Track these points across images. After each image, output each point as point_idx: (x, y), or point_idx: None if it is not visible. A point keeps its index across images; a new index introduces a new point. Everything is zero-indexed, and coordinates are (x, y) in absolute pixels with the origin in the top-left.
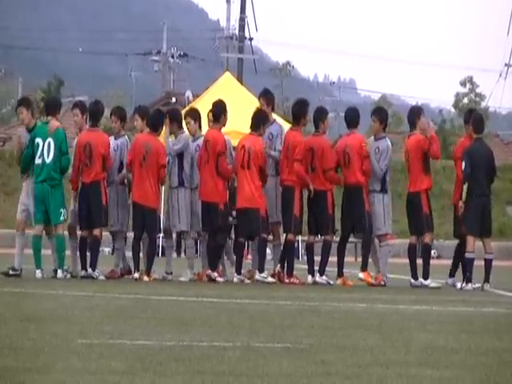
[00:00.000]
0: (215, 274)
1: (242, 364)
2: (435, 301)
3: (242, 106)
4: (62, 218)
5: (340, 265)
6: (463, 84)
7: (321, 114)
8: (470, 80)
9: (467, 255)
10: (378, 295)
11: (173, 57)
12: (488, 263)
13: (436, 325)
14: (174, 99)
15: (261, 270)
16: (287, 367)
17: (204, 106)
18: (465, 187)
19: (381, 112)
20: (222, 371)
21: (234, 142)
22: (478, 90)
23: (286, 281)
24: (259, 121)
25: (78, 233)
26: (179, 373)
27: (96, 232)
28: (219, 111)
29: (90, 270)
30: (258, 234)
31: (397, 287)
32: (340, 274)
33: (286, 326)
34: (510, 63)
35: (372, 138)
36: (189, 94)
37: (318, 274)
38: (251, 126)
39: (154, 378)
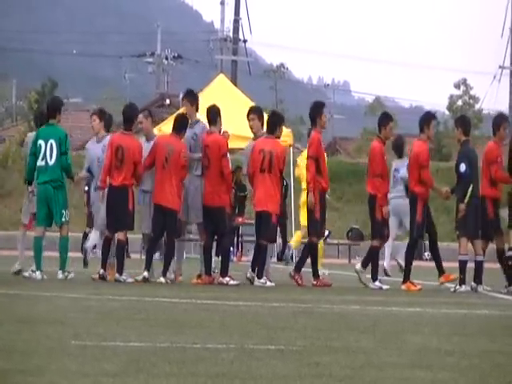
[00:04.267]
0: (227, 279)
1: (236, 366)
2: (428, 303)
3: (236, 107)
4: (65, 219)
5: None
6: (457, 86)
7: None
8: (464, 82)
9: (461, 257)
10: (372, 297)
11: (167, 58)
12: (479, 265)
13: (429, 327)
14: (168, 101)
15: (259, 276)
16: (281, 369)
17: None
18: (470, 189)
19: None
20: (215, 373)
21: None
22: (472, 93)
23: (314, 282)
24: (275, 123)
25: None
26: (172, 375)
27: (120, 236)
28: (215, 115)
29: (117, 274)
30: (266, 238)
31: (391, 289)
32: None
33: (279, 328)
34: (505, 65)
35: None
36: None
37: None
38: (268, 129)
39: (148, 379)
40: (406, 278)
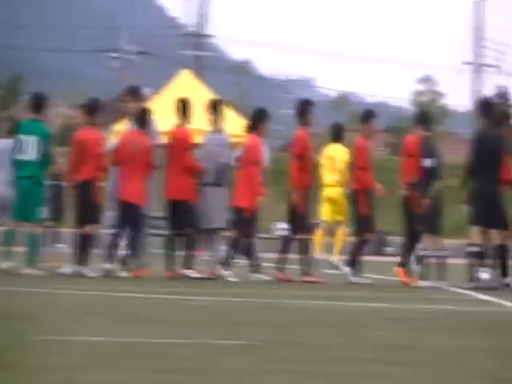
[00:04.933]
0: (190, 272)
1: (197, 361)
2: (392, 298)
3: (200, 103)
4: (40, 216)
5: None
6: (421, 82)
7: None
8: (429, 78)
9: (422, 253)
10: (334, 292)
11: (131, 54)
12: (442, 261)
13: (392, 322)
14: None
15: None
16: (241, 364)
17: (162, 102)
18: (436, 184)
19: None
20: (176, 368)
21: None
22: (436, 88)
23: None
24: (256, 120)
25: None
26: (134, 369)
27: (87, 229)
28: (183, 108)
29: (81, 267)
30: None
31: (357, 284)
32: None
33: (240, 323)
34: (469, 61)
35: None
36: (147, 91)
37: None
38: (250, 126)
39: (109, 374)
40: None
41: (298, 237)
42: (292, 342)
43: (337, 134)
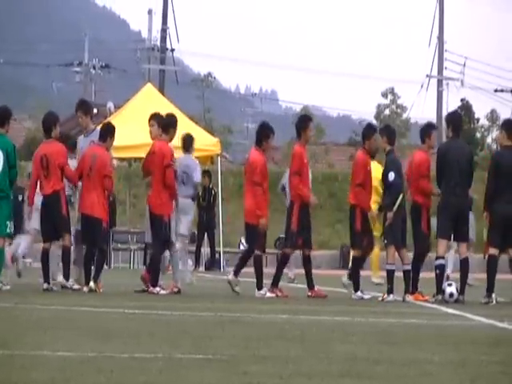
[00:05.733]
0: (157, 289)
1: (164, 375)
2: (357, 312)
3: None
4: (7, 230)
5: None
6: (385, 95)
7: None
8: (392, 91)
9: (388, 267)
10: (300, 306)
11: (94, 68)
12: (407, 274)
13: (358, 336)
14: (95, 110)
15: (259, 287)
16: (209, 378)
17: (126, 116)
18: (400, 198)
19: None
20: (143, 382)
21: None
22: (399, 102)
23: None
24: (261, 135)
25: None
26: None
27: (65, 242)
28: (167, 125)
29: (63, 279)
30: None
31: (319, 299)
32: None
33: (207, 337)
34: (432, 74)
35: None
36: (110, 105)
37: None
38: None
39: None
40: (414, 289)
41: (284, 251)
42: (259, 355)
43: None
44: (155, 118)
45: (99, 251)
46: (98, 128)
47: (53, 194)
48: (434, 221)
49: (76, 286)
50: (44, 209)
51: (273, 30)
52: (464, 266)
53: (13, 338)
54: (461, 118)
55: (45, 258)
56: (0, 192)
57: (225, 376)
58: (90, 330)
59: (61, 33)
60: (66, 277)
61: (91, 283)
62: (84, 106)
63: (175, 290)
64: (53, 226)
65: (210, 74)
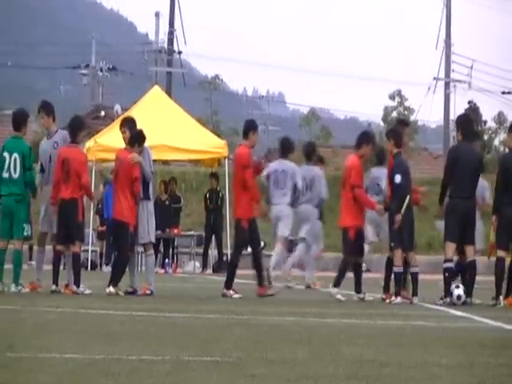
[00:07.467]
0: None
1: (171, 378)
2: (364, 314)
3: (170, 119)
4: (24, 233)
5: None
6: (392, 97)
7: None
8: (399, 93)
9: (395, 269)
10: (307, 309)
11: (101, 70)
12: (414, 277)
13: (365, 338)
14: (102, 113)
15: (358, 291)
16: (216, 381)
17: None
18: (406, 201)
19: None
20: None
21: (162, 156)
22: (406, 104)
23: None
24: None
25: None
26: None
27: (76, 248)
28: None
29: (74, 287)
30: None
31: (326, 301)
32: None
33: (214, 340)
34: (439, 77)
35: None
36: (118, 107)
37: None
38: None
39: None
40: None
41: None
42: (266, 358)
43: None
44: (126, 123)
45: (119, 255)
46: (61, 130)
47: (71, 200)
48: (441, 224)
49: (88, 291)
50: (60, 213)
51: (280, 32)
52: (471, 268)
53: (20, 340)
54: (471, 121)
55: (57, 260)
56: (18, 195)
57: (232, 378)
58: (98, 333)
59: (68, 35)
60: (77, 283)
61: (111, 287)
62: (47, 107)
63: (148, 292)
64: (67, 231)
65: (217, 77)
